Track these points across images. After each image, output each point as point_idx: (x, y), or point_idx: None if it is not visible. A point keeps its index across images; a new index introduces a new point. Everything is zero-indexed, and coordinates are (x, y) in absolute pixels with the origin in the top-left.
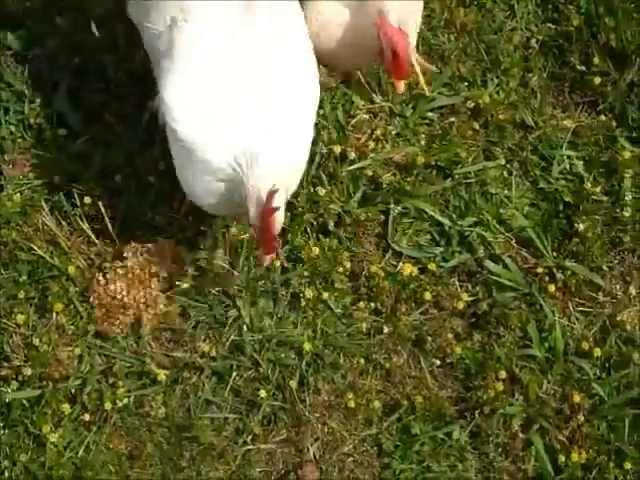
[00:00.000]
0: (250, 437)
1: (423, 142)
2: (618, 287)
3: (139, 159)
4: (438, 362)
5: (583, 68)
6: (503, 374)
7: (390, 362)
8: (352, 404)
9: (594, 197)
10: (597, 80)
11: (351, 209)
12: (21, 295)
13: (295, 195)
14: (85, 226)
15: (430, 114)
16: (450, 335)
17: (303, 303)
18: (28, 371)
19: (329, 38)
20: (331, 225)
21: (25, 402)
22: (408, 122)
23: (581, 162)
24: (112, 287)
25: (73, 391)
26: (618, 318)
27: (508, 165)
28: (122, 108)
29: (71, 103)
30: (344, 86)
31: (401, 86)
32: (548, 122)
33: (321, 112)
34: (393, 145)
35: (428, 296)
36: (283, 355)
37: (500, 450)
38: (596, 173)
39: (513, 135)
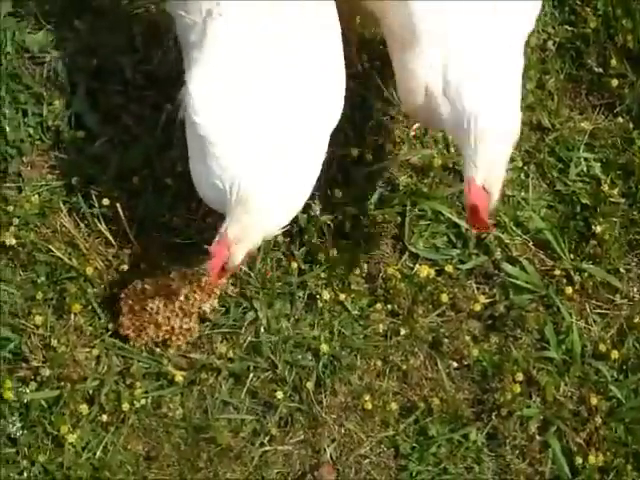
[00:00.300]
0: (267, 438)
1: (440, 144)
2: (635, 289)
3: (157, 161)
4: (455, 364)
5: (600, 70)
6: (520, 376)
7: (407, 364)
8: (369, 406)
9: (611, 199)
10: (614, 82)
11: (368, 211)
12: (39, 296)
13: (312, 197)
14: (103, 228)
15: None
16: (467, 337)
17: (320, 305)
18: (46, 372)
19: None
20: (348, 227)
21: (43, 403)
22: None
23: (598, 164)
24: (150, 303)
25: (91, 392)
26: (636, 320)
27: (525, 167)
28: (140, 110)
29: (89, 105)
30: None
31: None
32: (565, 124)
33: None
34: (410, 147)
35: (445, 298)
36: (300, 357)
37: (517, 452)
38: (613, 175)
39: (530, 137)
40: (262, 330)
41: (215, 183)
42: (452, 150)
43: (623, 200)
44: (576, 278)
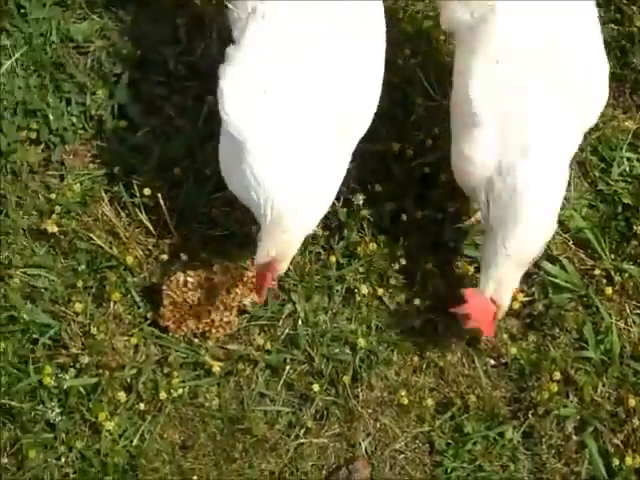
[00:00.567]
0: (302, 431)
1: None
2: None
3: (198, 152)
4: (492, 362)
5: None
6: (558, 375)
7: (444, 360)
8: (405, 401)
9: None
10: None
11: (408, 206)
12: (79, 284)
13: (351, 191)
14: (143, 217)
15: None
16: (505, 335)
17: (358, 299)
18: (85, 359)
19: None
20: (387, 222)
21: (82, 389)
22: None
23: None
24: (191, 296)
25: (129, 380)
26: None
27: None
28: (182, 101)
29: (132, 95)
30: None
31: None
32: (608, 123)
33: (379, 109)
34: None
35: None
36: (337, 350)
37: (553, 452)
38: None
39: None
40: (300, 323)
41: (248, 190)
42: None
43: None
44: (616, 278)
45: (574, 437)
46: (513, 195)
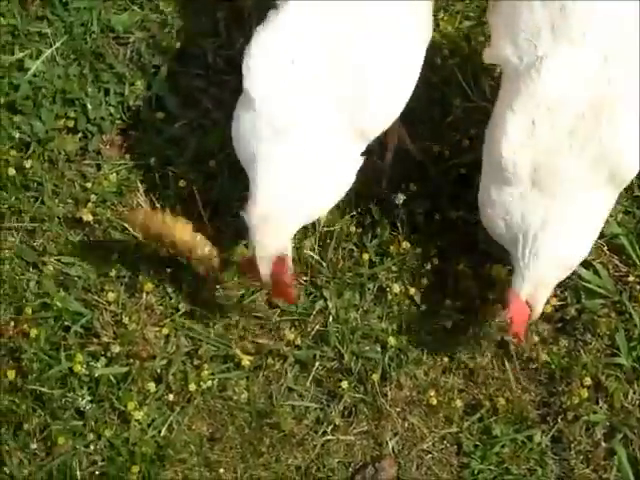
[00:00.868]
0: (330, 427)
1: None
2: None
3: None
4: (523, 365)
5: None
6: (588, 381)
7: (474, 362)
8: (434, 401)
9: None
10: None
11: (442, 206)
12: (112, 273)
13: (387, 188)
14: (178, 209)
15: None
16: (536, 338)
17: (389, 297)
18: (116, 348)
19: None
20: (421, 221)
21: (112, 378)
22: None
23: None
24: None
25: (159, 370)
26: None
27: None
28: (220, 94)
29: (170, 87)
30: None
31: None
32: None
33: (417, 108)
34: None
35: None
36: (367, 348)
37: (581, 457)
38: None
39: None
40: (330, 319)
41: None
42: None
43: None
44: None
45: (603, 444)
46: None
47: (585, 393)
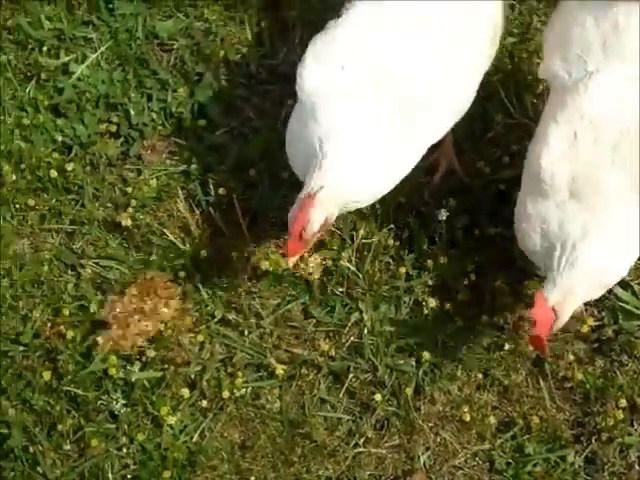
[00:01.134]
0: (362, 440)
1: None
2: None
3: (274, 155)
4: (558, 384)
5: None
6: (624, 402)
7: (509, 379)
8: (467, 417)
9: None
10: None
11: (481, 222)
12: (149, 277)
13: (424, 203)
14: (217, 216)
15: None
16: (572, 357)
17: (425, 311)
18: (152, 353)
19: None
20: (459, 236)
21: (146, 383)
22: None
23: None
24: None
25: (193, 377)
26: None
27: None
28: (261, 103)
29: (212, 95)
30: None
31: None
32: None
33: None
34: None
35: None
36: (401, 361)
37: (615, 479)
38: None
39: None
40: (365, 332)
41: (307, 146)
42: None
43: None
44: None
45: (637, 466)
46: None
47: (620, 415)
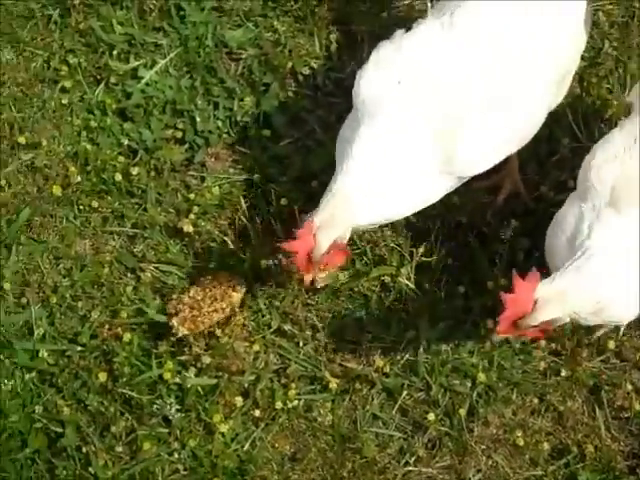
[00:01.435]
0: (413, 458)
1: None
2: None
3: None
4: (614, 413)
5: None
6: None
7: (564, 406)
8: (520, 442)
9: None
10: None
11: (541, 245)
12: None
13: (486, 223)
14: (277, 227)
15: None
16: (629, 387)
17: (482, 333)
18: (207, 360)
19: None
20: (521, 258)
21: (200, 389)
22: None
23: None
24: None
25: (246, 385)
26: None
27: None
28: (327, 116)
29: (278, 105)
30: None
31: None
32: None
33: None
34: None
35: (611, 345)
36: (456, 382)
37: None
38: None
39: None
40: (421, 350)
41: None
42: None
43: None
44: None
45: None
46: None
47: None
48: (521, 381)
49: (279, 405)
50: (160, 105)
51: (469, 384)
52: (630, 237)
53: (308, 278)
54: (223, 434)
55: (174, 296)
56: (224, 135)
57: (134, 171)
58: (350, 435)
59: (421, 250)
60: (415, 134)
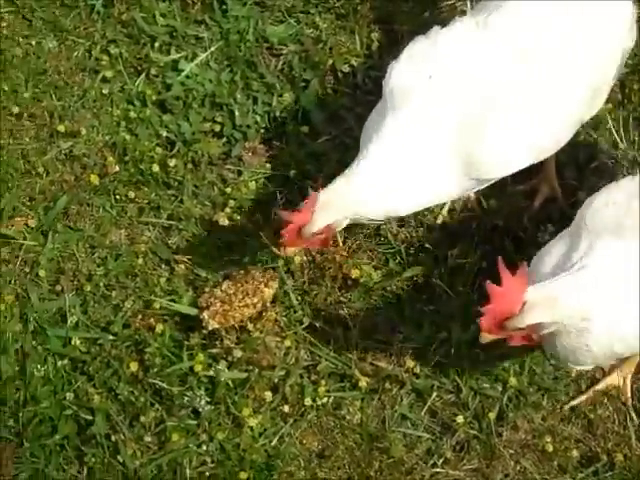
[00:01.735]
0: (441, 460)
1: None
2: None
3: None
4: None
5: None
6: None
7: (595, 413)
8: (549, 448)
9: None
10: None
11: None
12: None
13: (523, 227)
14: None
15: None
16: None
17: None
18: (238, 353)
19: None
20: None
21: (230, 383)
22: None
23: None
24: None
25: (276, 381)
26: None
27: None
28: (365, 114)
29: (317, 102)
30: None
31: None
32: None
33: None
34: None
35: None
36: (486, 385)
37: None
38: None
39: None
40: (452, 351)
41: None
42: None
43: None
44: None
45: None
46: None
47: None
48: (552, 387)
49: (308, 402)
50: (199, 98)
51: (499, 388)
52: (628, 266)
53: (288, 251)
54: (251, 428)
55: (206, 289)
56: (262, 130)
57: (171, 163)
58: (378, 434)
59: (456, 252)
60: (439, 130)
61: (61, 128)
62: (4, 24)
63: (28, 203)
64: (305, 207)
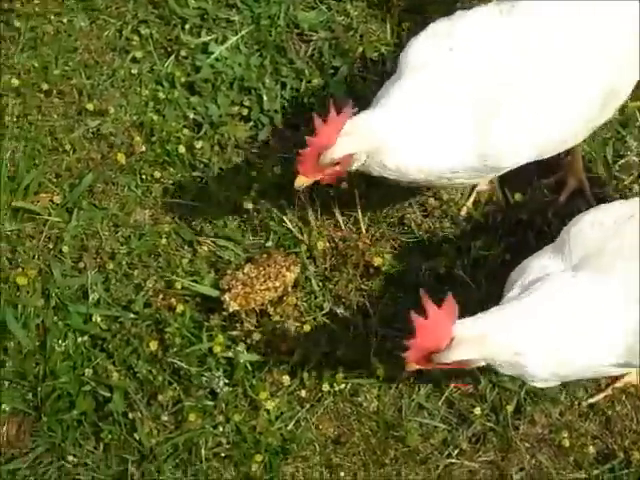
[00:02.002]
0: (456, 451)
1: None
2: None
3: None
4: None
5: None
6: None
7: (613, 410)
8: (566, 443)
9: None
10: None
11: None
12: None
13: (547, 222)
14: (336, 210)
15: None
16: None
17: None
18: (257, 336)
19: None
20: None
21: (249, 365)
22: None
23: None
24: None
25: (294, 365)
26: None
27: None
28: None
29: (346, 89)
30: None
31: None
32: None
33: (587, 147)
34: None
35: None
36: (505, 378)
37: None
38: None
39: None
40: None
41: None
42: None
43: None
44: None
45: None
46: None
47: None
48: (571, 382)
49: (326, 387)
50: (228, 81)
51: (518, 381)
52: (581, 303)
53: (299, 180)
54: (268, 411)
55: (228, 272)
56: (289, 115)
57: (198, 145)
58: (394, 423)
59: (479, 244)
60: (455, 103)
61: (89, 106)
62: (36, 1)
63: (54, 180)
64: (331, 129)
